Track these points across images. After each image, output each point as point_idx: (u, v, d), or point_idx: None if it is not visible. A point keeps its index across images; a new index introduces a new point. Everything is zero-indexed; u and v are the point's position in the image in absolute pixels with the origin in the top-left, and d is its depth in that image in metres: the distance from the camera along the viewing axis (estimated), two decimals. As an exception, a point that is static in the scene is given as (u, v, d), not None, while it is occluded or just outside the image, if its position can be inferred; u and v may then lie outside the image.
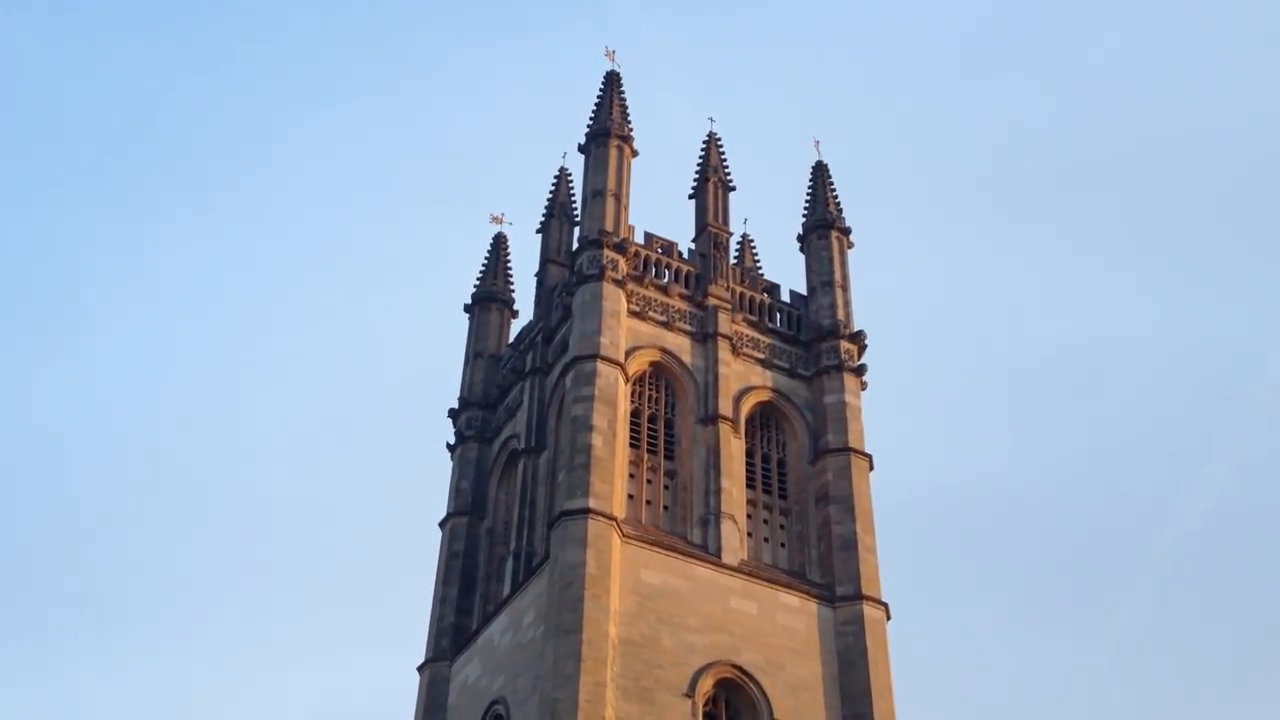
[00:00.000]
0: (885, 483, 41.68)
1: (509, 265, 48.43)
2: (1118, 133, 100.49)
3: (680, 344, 40.53)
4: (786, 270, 46.45)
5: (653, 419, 39.28)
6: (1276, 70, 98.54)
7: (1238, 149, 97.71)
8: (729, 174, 45.64)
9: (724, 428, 38.82)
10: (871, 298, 47.98)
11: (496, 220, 48.64)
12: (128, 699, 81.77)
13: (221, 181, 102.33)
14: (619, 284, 39.83)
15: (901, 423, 76.46)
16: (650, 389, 39.81)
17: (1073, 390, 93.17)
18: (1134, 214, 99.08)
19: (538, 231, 47.94)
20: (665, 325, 40.63)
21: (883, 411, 45.37)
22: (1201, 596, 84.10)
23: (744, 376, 40.84)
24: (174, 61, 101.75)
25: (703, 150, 46.04)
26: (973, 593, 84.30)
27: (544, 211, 48.18)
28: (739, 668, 34.47)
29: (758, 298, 43.30)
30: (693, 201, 45.19)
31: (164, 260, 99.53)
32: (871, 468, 39.97)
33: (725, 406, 39.34)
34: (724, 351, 40.55)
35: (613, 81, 44.89)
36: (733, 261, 44.30)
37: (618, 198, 42.00)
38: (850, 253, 45.39)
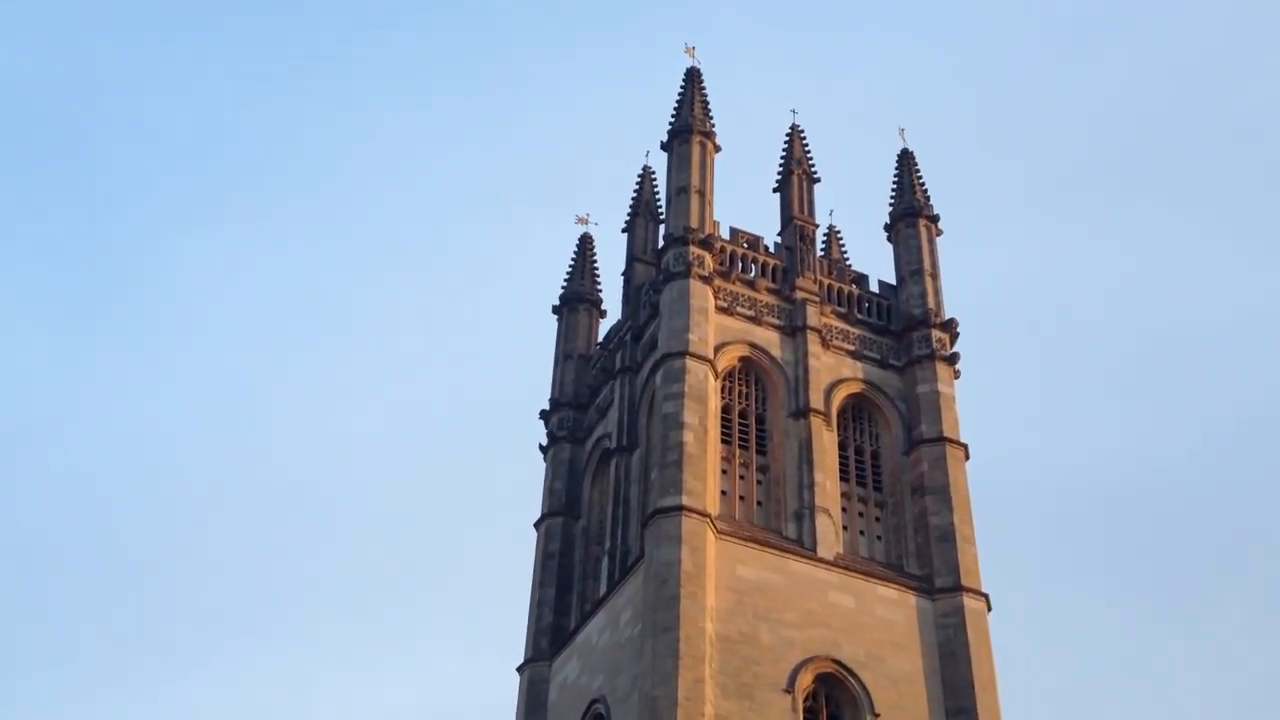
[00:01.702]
0: (983, 472, 41.17)
1: (596, 265, 48.63)
2: (1214, 107, 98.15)
3: (769, 338, 40.34)
4: (874, 260, 46.09)
5: (743, 414, 39.15)
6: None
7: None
8: (813, 165, 45.31)
9: (816, 421, 38.57)
10: (963, 285, 47.42)
11: (582, 221, 48.97)
12: (231, 703, 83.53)
13: (312, 184, 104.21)
14: (706, 280, 39.76)
15: (999, 411, 75.20)
16: (740, 384, 39.69)
17: (1179, 372, 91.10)
18: (1237, 190, 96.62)
19: (623, 230, 48.05)
20: (753, 320, 40.47)
21: (979, 400, 44.85)
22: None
23: (834, 369, 40.55)
24: (269, 64, 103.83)
25: (786, 143, 45.75)
26: (1079, 582, 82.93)
27: (629, 210, 48.29)
28: (838, 662, 34.25)
29: (846, 289, 42.95)
30: (777, 195, 44.94)
31: (258, 263, 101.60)
32: (967, 457, 39.46)
33: (816, 400, 39.08)
34: (813, 344, 40.28)
35: (693, 78, 44.84)
36: (819, 253, 43.96)
37: (702, 194, 41.93)
38: (939, 240, 44.89)
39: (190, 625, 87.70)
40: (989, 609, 36.57)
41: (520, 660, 40.22)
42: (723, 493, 36.97)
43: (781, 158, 45.48)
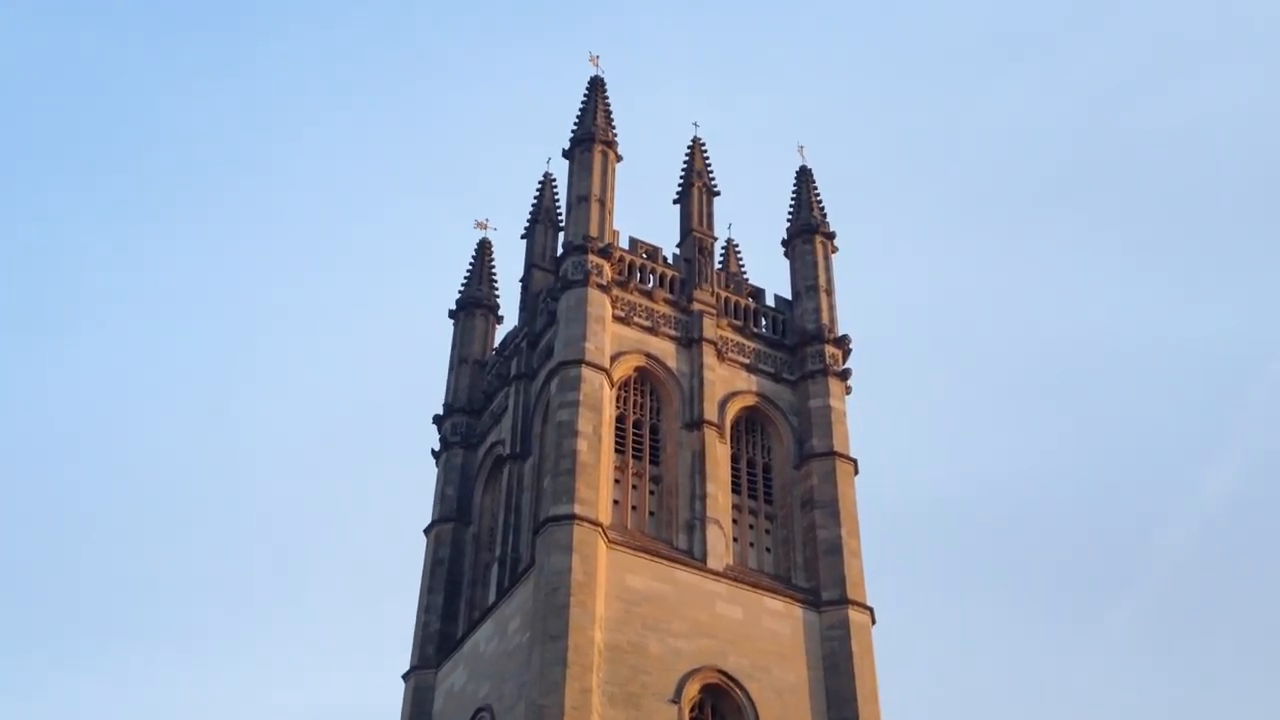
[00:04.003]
0: (874, 487, 41.84)
1: (494, 271, 48.44)
2: (1110, 134, 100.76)
3: (665, 349, 40.52)
4: (771, 275, 46.64)
5: (638, 424, 39.25)
6: (1276, 69, 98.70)
7: (1236, 149, 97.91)
8: (713, 179, 45.66)
9: (709, 433, 38.81)
10: (860, 302, 48.08)
11: (481, 226, 48.74)
12: (111, 707, 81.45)
13: (208, 190, 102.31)
14: (604, 289, 39.81)
15: (890, 426, 76.33)
16: (635, 394, 39.79)
17: (1068, 391, 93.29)
18: (1128, 214, 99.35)
19: (522, 237, 47.89)
20: (650, 330, 40.61)
21: (870, 416, 45.47)
22: (1201, 597, 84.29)
23: (729, 381, 40.85)
24: (168, 67, 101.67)
25: (687, 155, 46.05)
26: (967, 596, 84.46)
27: (529, 217, 48.16)
28: (724, 673, 34.46)
29: (743, 303, 43.33)
30: (677, 206, 45.20)
31: (156, 267, 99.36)
32: (856, 472, 40.01)
33: (710, 411, 39.33)
34: (709, 356, 40.54)
35: (597, 87, 44.91)
36: (717, 266, 44.32)
37: (602, 203, 41.99)
38: (836, 258, 45.51)
39: (70, 627, 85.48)
40: (873, 622, 37.10)
41: (406, 668, 39.83)
42: (615, 502, 37.02)
43: (682, 170, 45.76)
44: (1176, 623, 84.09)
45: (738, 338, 42.10)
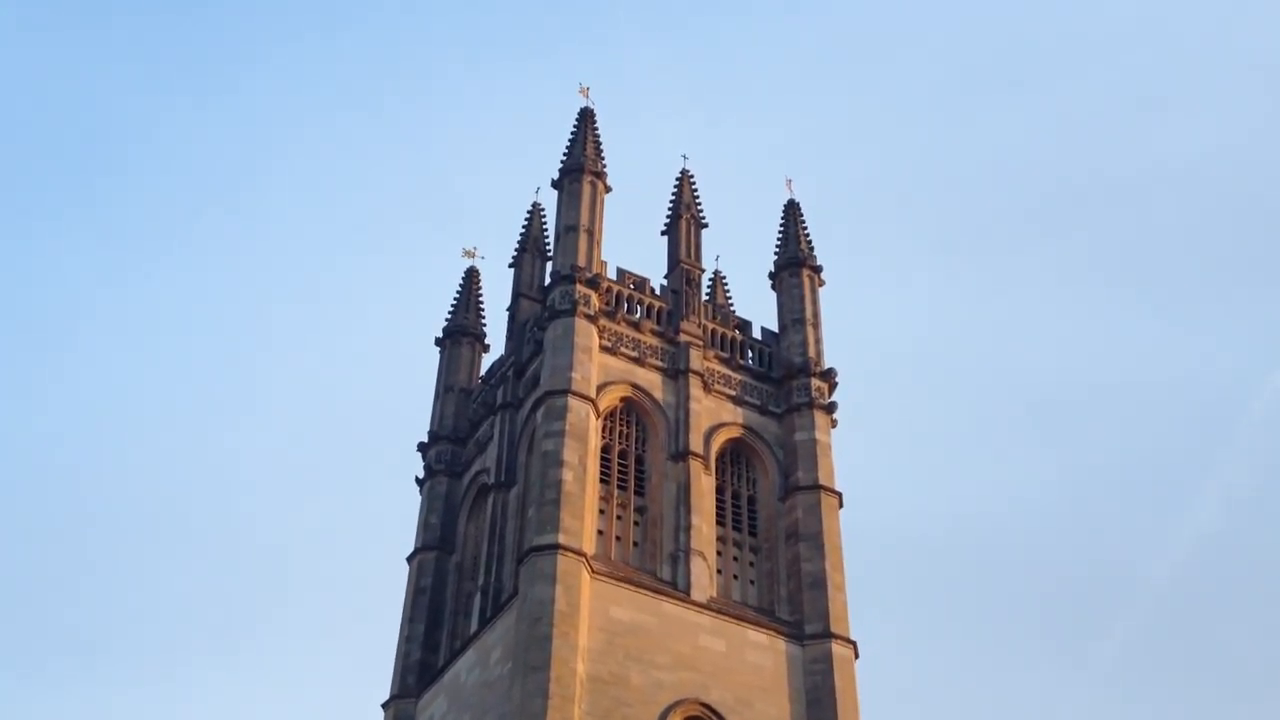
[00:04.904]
0: (858, 520, 41.83)
1: (481, 299, 48.46)
2: (1096, 168, 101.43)
3: (652, 380, 40.54)
4: (758, 307, 46.72)
5: (623, 455, 39.21)
6: (1258, 108, 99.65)
7: (1223, 183, 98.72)
8: (701, 211, 45.83)
9: (694, 464, 38.80)
10: (844, 335, 48.16)
11: (469, 254, 48.80)
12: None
13: (193, 215, 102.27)
14: (591, 319, 39.85)
15: (875, 459, 76.39)
16: (621, 425, 39.77)
17: (1054, 424, 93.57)
18: (1114, 250, 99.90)
19: (510, 265, 47.96)
20: (637, 361, 40.64)
21: (855, 448, 45.50)
22: (1187, 631, 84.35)
23: (715, 413, 40.86)
24: (155, 87, 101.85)
25: (675, 187, 46.23)
26: (951, 629, 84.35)
27: (516, 246, 48.25)
28: (707, 706, 34.32)
29: (729, 334, 43.41)
30: (665, 238, 45.33)
31: (138, 289, 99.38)
32: (841, 505, 40.02)
33: (696, 443, 39.32)
34: (695, 388, 40.57)
35: (586, 118, 45.09)
36: (705, 298, 44.40)
37: (590, 233, 42.09)
38: (822, 290, 45.65)
39: (54, 645, 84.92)
40: (856, 656, 37.02)
41: (385, 696, 39.56)
42: (599, 532, 36.94)
43: (671, 201, 45.91)
44: (1162, 656, 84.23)
45: (724, 369, 42.15)
